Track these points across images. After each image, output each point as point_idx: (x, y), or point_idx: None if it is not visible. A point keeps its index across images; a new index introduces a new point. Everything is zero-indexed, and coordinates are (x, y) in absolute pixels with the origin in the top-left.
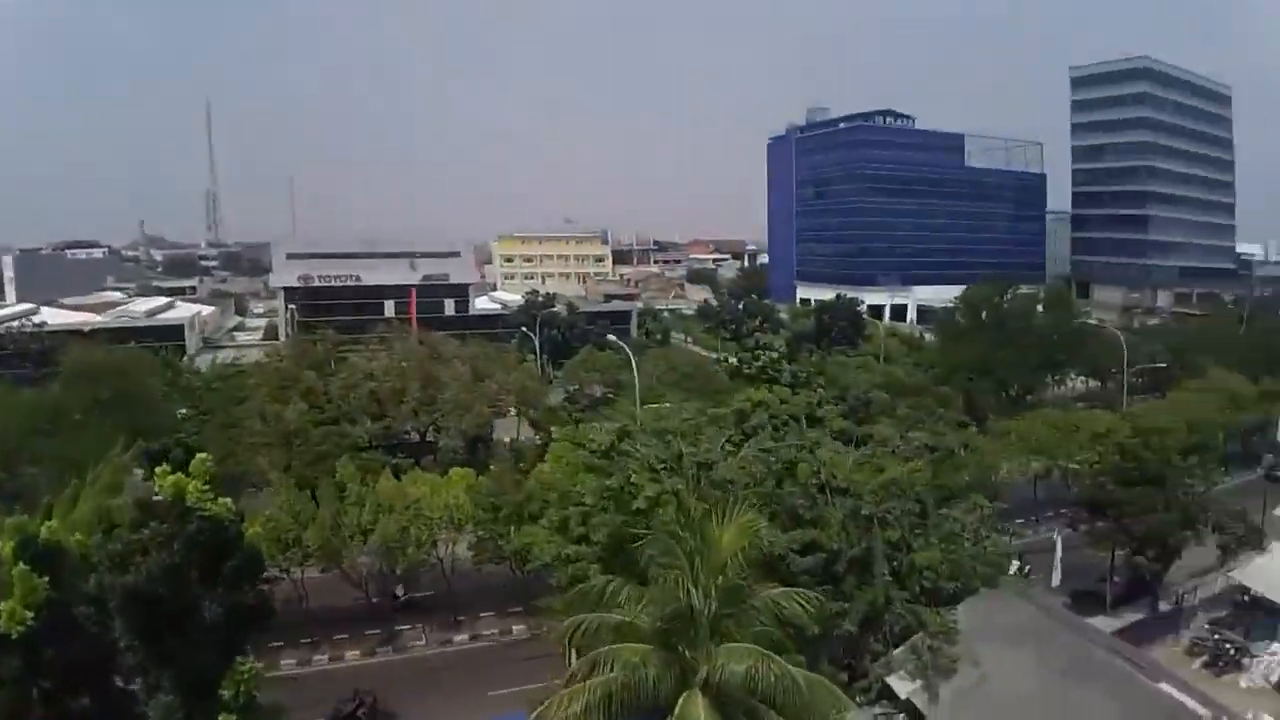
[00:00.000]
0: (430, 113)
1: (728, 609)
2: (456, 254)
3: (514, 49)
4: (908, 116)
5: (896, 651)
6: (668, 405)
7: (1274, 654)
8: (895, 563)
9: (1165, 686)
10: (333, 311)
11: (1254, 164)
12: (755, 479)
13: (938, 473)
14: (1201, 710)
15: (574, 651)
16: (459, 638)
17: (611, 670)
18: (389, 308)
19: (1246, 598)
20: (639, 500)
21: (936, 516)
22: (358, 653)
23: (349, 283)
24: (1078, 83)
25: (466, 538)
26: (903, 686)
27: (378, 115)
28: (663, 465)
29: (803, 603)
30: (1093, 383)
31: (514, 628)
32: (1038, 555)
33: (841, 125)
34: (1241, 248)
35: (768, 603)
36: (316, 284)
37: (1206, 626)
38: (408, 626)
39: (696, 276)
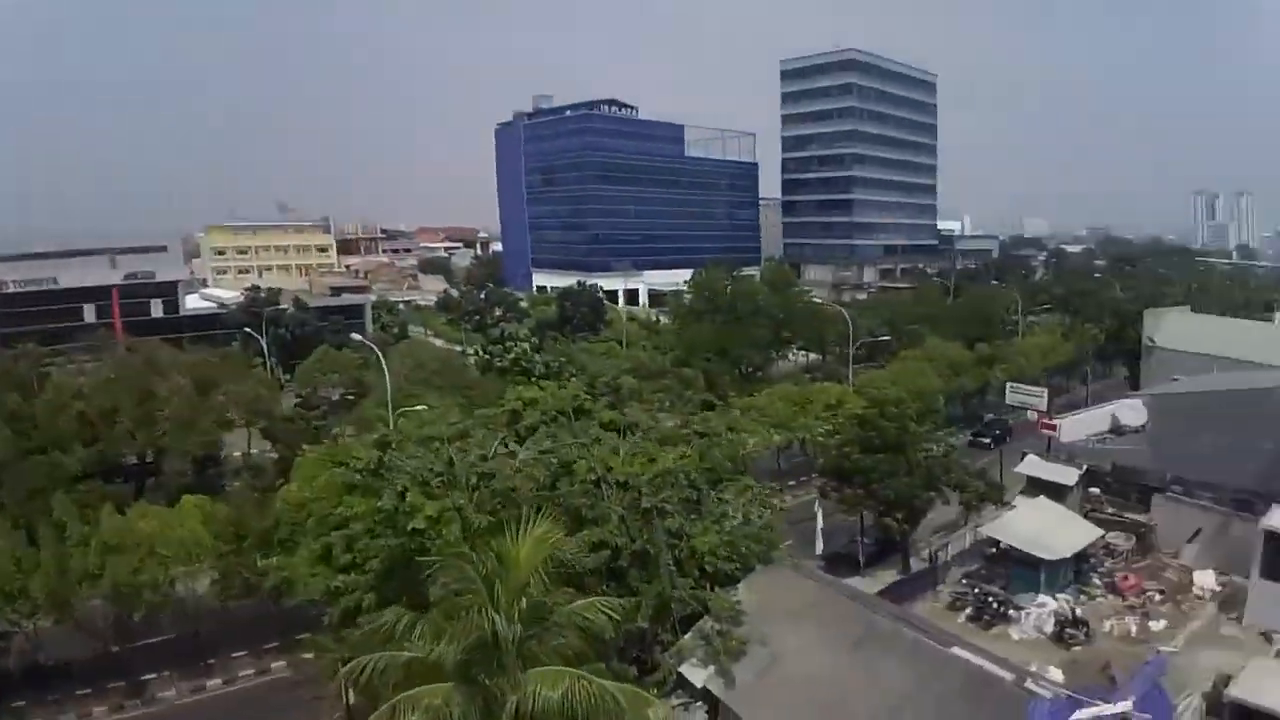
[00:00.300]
0: (128, 96)
1: (531, 630)
2: (162, 248)
3: (205, 21)
4: (631, 106)
5: (685, 638)
6: (423, 407)
7: (1042, 605)
8: (677, 551)
9: (958, 651)
10: (25, 320)
11: (955, 146)
12: (537, 483)
13: (703, 456)
14: (1002, 672)
15: (349, 691)
16: (213, 682)
17: (413, 716)
18: (89, 312)
19: (994, 550)
20: (417, 520)
21: (710, 500)
22: (105, 708)
23: (44, 286)
24: (787, 75)
25: (210, 572)
26: (697, 674)
27: (71, 102)
28: (437, 478)
29: (608, 611)
30: (813, 356)
31: (273, 665)
32: (792, 525)
33: (568, 113)
34: (942, 224)
35: (570, 615)
36: (11, 290)
37: (964, 581)
38: (153, 675)
39: (430, 266)
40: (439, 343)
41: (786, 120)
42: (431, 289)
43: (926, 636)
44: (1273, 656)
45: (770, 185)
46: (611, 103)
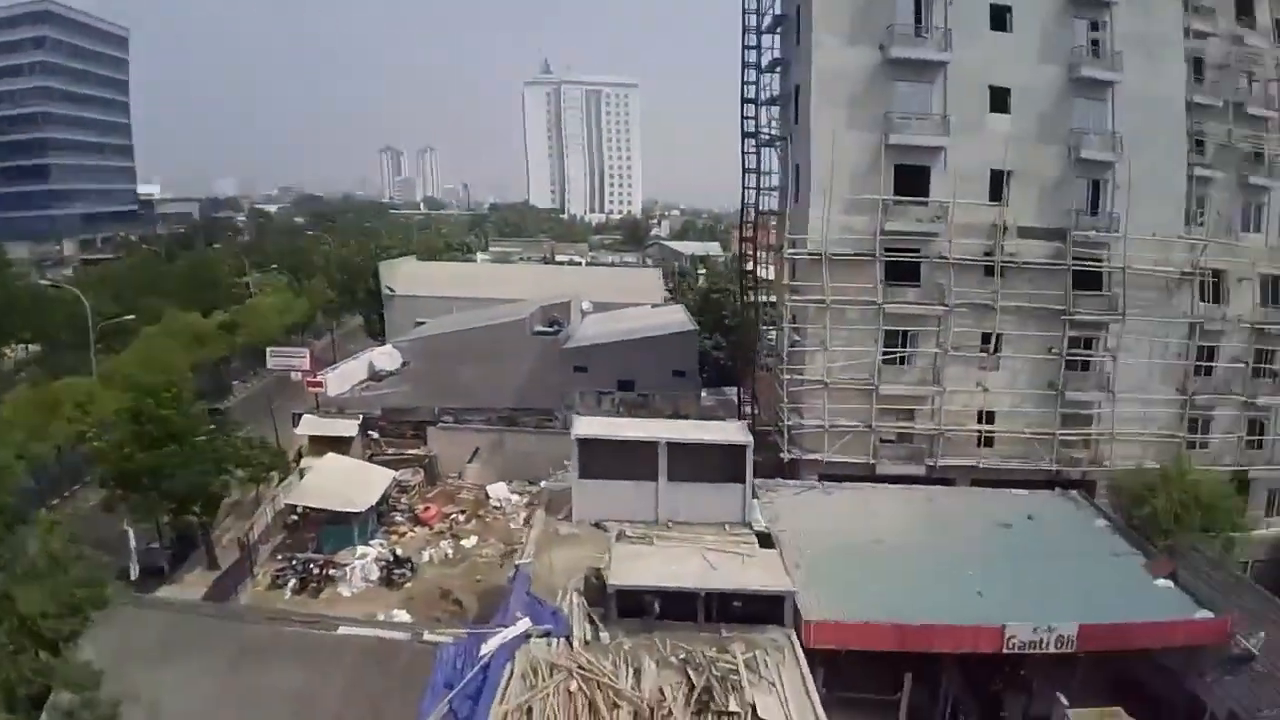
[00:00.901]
0: None
1: None
2: None
3: None
4: None
5: None
6: None
7: (363, 556)
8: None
9: (347, 629)
10: None
11: (149, 105)
12: None
13: None
14: (398, 635)
15: None
16: None
17: None
18: None
19: (296, 518)
20: None
21: (14, 549)
22: None
23: None
24: None
25: None
26: None
27: None
28: None
29: None
30: (34, 348)
31: None
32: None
33: None
34: (141, 189)
35: None
36: None
37: (279, 557)
38: None
39: None
40: None
41: None
42: None
43: (310, 627)
44: (615, 541)
45: None
46: None
